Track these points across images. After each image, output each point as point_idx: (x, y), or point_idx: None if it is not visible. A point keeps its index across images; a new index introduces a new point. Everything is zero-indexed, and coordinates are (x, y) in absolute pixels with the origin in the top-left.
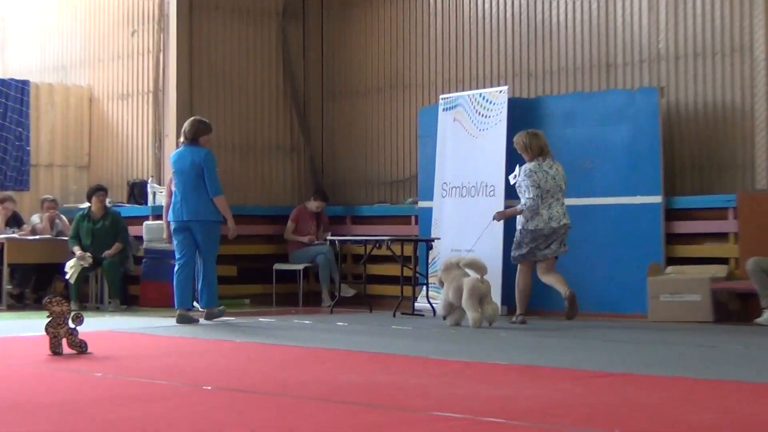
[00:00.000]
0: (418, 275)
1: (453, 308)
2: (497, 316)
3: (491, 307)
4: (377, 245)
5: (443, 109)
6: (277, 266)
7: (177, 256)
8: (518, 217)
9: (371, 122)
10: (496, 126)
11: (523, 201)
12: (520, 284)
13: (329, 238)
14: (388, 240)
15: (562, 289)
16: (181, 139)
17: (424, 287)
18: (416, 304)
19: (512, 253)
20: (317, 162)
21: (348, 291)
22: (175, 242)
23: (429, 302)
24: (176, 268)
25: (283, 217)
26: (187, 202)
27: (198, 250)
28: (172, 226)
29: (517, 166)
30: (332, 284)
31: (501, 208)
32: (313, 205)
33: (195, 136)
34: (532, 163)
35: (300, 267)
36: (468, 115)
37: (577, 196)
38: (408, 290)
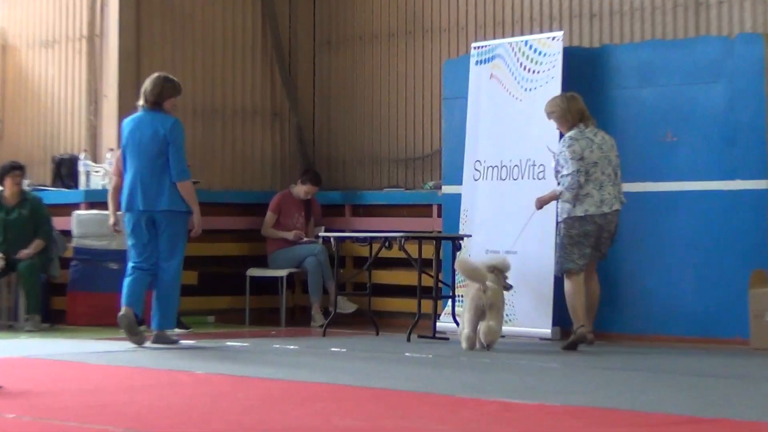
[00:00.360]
0: (441, 285)
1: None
2: (496, 336)
3: (490, 324)
4: (386, 244)
5: (476, 62)
6: (252, 272)
7: (135, 260)
8: (560, 208)
9: (379, 80)
10: (547, 84)
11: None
12: (578, 298)
13: (322, 234)
14: (402, 237)
15: (587, 321)
16: (140, 102)
17: (449, 301)
18: (438, 324)
19: (558, 266)
20: (307, 133)
21: (347, 306)
22: (131, 242)
23: (455, 321)
24: (130, 273)
25: (261, 207)
26: (145, 185)
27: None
28: (127, 220)
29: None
30: (326, 296)
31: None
32: (300, 190)
33: (159, 99)
34: (572, 131)
35: (283, 273)
36: (510, 70)
37: (654, 180)
38: (427, 305)
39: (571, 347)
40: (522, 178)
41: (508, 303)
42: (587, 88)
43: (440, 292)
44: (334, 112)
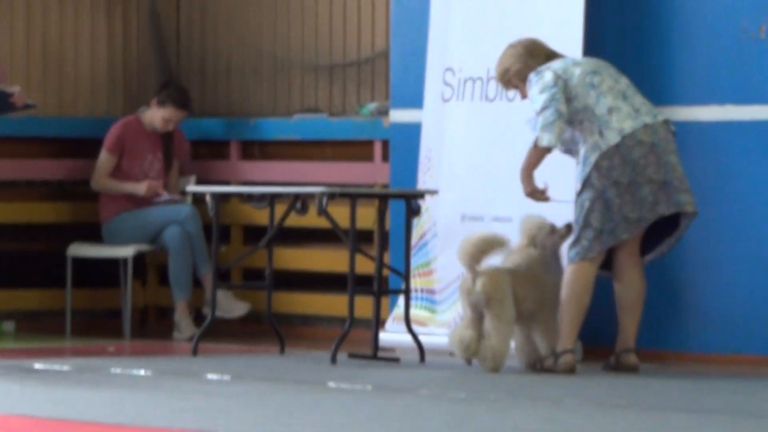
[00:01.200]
0: (387, 272)
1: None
2: (501, 358)
3: (490, 343)
4: (298, 206)
5: None
6: (77, 250)
7: None
8: (575, 163)
9: None
10: None
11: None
12: (581, 299)
13: (192, 189)
14: (324, 194)
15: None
16: None
17: (400, 300)
18: (383, 336)
19: (572, 249)
20: (168, 24)
21: (233, 306)
22: None
23: (411, 332)
24: None
25: (91, 144)
26: None
27: None
28: None
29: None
30: (198, 290)
31: None
32: (156, 116)
33: None
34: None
35: (127, 253)
36: None
37: (738, 101)
38: (365, 305)
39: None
40: (522, 99)
41: None
42: None
43: (386, 285)
44: None
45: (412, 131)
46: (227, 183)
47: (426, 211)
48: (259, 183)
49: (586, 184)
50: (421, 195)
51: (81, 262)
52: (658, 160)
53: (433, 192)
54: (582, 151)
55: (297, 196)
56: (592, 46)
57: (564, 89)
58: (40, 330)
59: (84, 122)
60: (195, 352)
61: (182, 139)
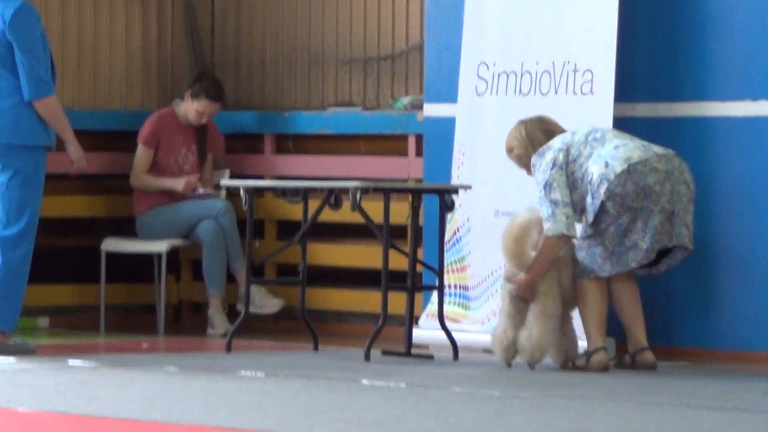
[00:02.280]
0: (421, 268)
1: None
2: (541, 352)
3: (531, 335)
4: (332, 201)
5: None
6: (110, 245)
7: None
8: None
9: None
10: None
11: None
12: (599, 303)
13: (226, 183)
14: (358, 189)
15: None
16: None
17: (435, 296)
18: (416, 333)
19: (583, 266)
20: (202, 16)
21: (267, 302)
22: None
23: (444, 328)
24: None
25: (125, 137)
26: None
27: None
28: None
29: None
30: (232, 286)
31: (608, 113)
32: (190, 109)
33: None
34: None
35: (161, 248)
36: None
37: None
38: (398, 302)
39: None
40: (557, 92)
41: None
42: None
43: (420, 281)
44: None
45: (446, 125)
46: (261, 177)
47: (460, 207)
48: (292, 177)
49: (599, 215)
50: (455, 190)
51: (115, 257)
52: (672, 189)
53: (467, 187)
54: (590, 187)
55: (331, 191)
56: (626, 41)
57: (565, 164)
58: (74, 326)
59: (118, 115)
60: (228, 348)
61: (216, 132)
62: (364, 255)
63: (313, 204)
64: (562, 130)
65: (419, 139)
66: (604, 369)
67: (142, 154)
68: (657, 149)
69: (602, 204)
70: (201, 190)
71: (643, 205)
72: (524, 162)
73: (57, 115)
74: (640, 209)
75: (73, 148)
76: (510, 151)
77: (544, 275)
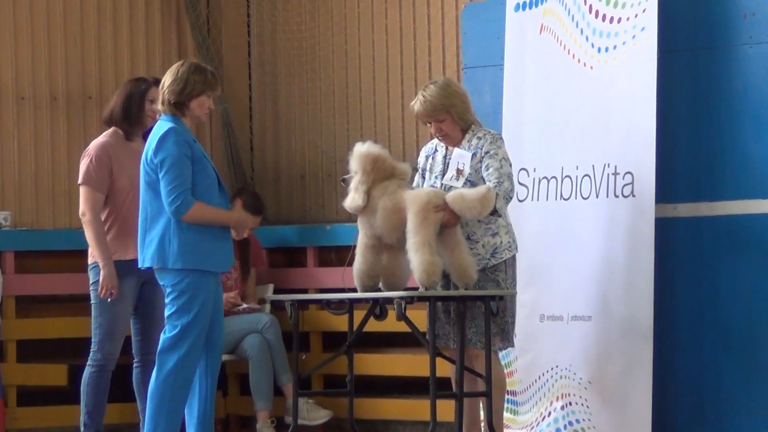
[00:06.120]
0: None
1: None
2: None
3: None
4: (377, 311)
5: (516, 7)
6: None
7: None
8: (499, 241)
9: (357, 41)
10: (634, 41)
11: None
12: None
13: (271, 297)
14: (402, 299)
15: None
16: (160, 106)
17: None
18: None
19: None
20: (240, 128)
21: (315, 414)
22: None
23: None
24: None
25: None
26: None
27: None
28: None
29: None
30: (279, 399)
31: (650, 215)
32: None
33: (182, 99)
34: (483, 128)
35: None
36: (572, 18)
37: None
38: (446, 409)
39: None
40: (597, 196)
41: (579, 402)
42: (700, 44)
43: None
44: (285, 93)
45: None
46: (305, 290)
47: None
48: (336, 289)
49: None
50: (500, 297)
51: None
52: None
53: (512, 293)
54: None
55: (375, 302)
56: (665, 141)
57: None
58: None
59: None
60: None
61: (258, 246)
62: (411, 363)
63: (358, 314)
64: None
65: None
66: None
67: None
68: None
69: None
70: (244, 306)
71: None
72: (453, 125)
73: None
74: None
75: (238, 214)
76: (447, 107)
77: None
